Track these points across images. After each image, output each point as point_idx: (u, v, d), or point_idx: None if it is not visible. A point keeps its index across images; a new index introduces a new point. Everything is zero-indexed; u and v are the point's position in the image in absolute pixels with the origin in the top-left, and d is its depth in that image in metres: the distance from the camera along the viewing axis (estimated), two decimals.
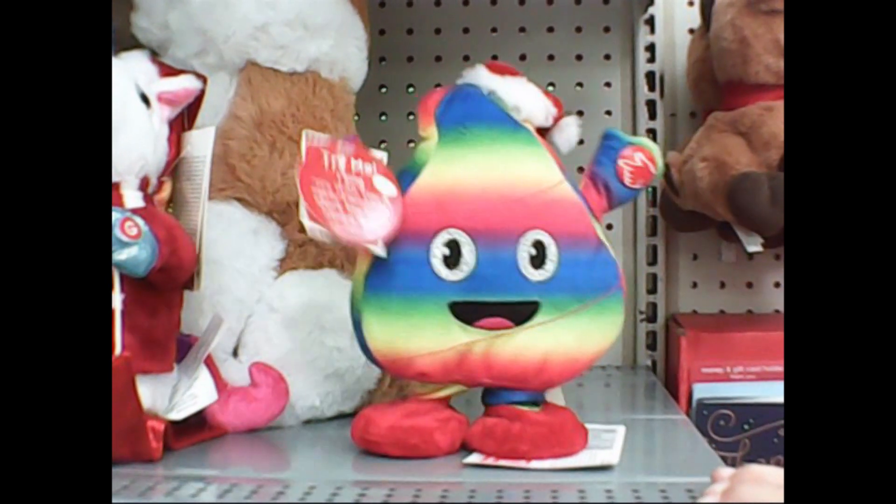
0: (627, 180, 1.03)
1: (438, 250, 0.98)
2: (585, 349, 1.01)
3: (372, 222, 0.95)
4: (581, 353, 1.01)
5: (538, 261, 0.99)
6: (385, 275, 0.98)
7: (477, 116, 1.01)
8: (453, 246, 0.98)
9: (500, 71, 1.05)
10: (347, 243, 0.97)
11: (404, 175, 1.00)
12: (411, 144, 1.03)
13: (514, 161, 1.01)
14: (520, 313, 0.99)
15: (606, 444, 1.03)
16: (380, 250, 0.96)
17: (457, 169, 1.00)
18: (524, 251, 0.99)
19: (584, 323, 1.00)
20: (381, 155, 1.00)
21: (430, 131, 1.01)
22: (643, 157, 1.04)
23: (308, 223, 0.94)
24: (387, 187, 0.97)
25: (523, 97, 1.03)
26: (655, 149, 1.05)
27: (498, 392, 1.02)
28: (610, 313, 1.01)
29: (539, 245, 0.99)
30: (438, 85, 1.07)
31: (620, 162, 1.03)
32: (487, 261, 0.98)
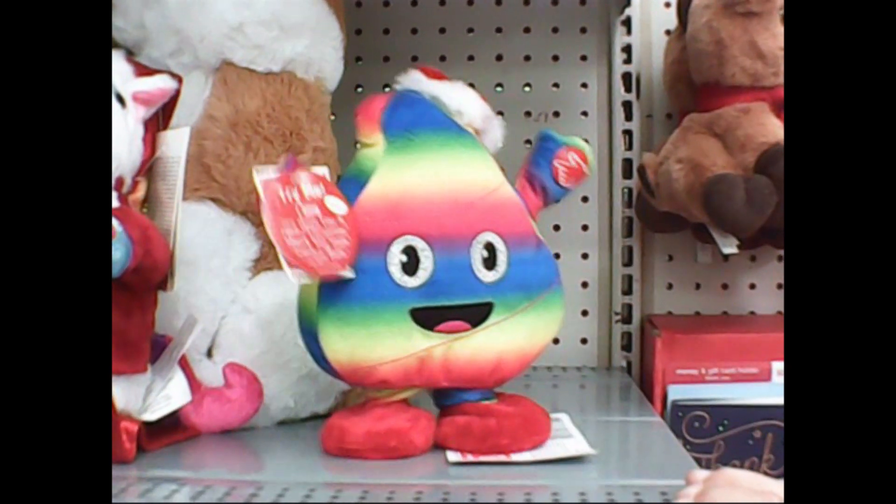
0: (562, 180, 1.07)
1: (396, 258, 0.98)
2: (534, 345, 1.04)
3: (337, 251, 0.95)
4: (530, 349, 1.04)
5: (490, 262, 1.01)
6: (342, 285, 0.97)
7: (423, 122, 1.03)
8: (410, 252, 0.99)
9: (437, 76, 1.06)
10: (324, 278, 0.97)
11: (351, 183, 1.01)
12: None
13: (461, 165, 1.03)
14: (476, 315, 1.01)
15: (563, 433, 1.06)
16: (350, 274, 0.96)
17: (407, 175, 1.00)
18: (477, 253, 1.01)
19: (532, 319, 1.03)
20: (323, 171, 0.99)
21: (374, 138, 1.02)
22: (576, 157, 1.07)
23: (289, 270, 0.94)
24: (338, 206, 0.97)
25: (464, 101, 1.05)
26: (588, 149, 1.08)
27: (452, 392, 1.03)
28: (553, 308, 1.05)
29: (490, 247, 1.01)
30: None
31: (556, 162, 1.06)
32: (444, 265, 0.99)
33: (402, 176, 1.00)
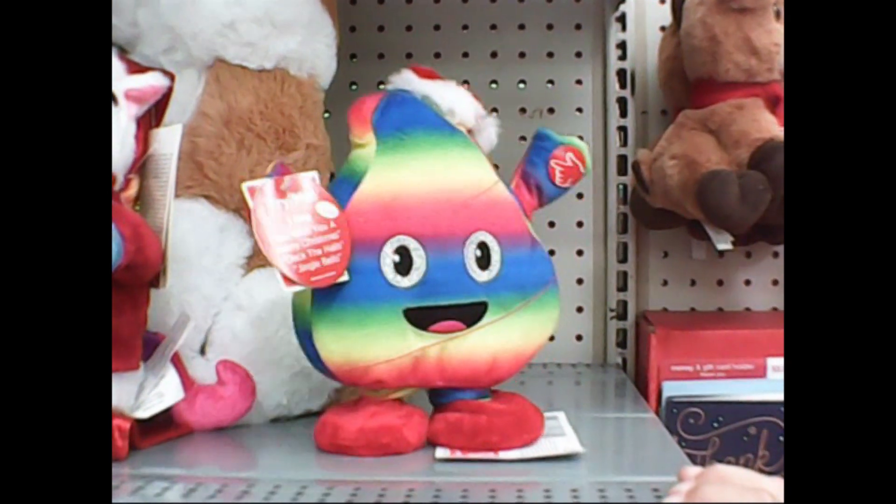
0: (558, 180, 1.06)
1: (389, 258, 0.99)
2: (530, 344, 1.04)
3: (331, 257, 0.95)
4: (526, 349, 1.04)
5: (483, 262, 1.01)
6: (335, 286, 0.97)
7: (415, 122, 1.03)
8: (403, 252, 0.99)
9: (428, 75, 1.06)
10: (322, 287, 0.97)
11: (343, 183, 1.01)
12: None
13: (454, 165, 1.02)
14: (470, 315, 1.01)
15: (557, 431, 1.06)
16: (345, 278, 0.97)
17: (400, 175, 1.00)
18: (470, 253, 1.01)
19: (528, 319, 1.03)
20: (312, 175, 0.99)
21: (367, 138, 1.01)
22: (573, 156, 1.06)
23: (286, 289, 0.94)
24: (330, 211, 0.97)
25: (456, 100, 1.05)
26: (585, 148, 1.07)
27: (448, 391, 1.03)
28: (549, 307, 1.05)
29: (483, 246, 1.01)
30: None
31: (552, 162, 1.06)
32: (437, 265, 0.99)
33: (395, 176, 1.00)
